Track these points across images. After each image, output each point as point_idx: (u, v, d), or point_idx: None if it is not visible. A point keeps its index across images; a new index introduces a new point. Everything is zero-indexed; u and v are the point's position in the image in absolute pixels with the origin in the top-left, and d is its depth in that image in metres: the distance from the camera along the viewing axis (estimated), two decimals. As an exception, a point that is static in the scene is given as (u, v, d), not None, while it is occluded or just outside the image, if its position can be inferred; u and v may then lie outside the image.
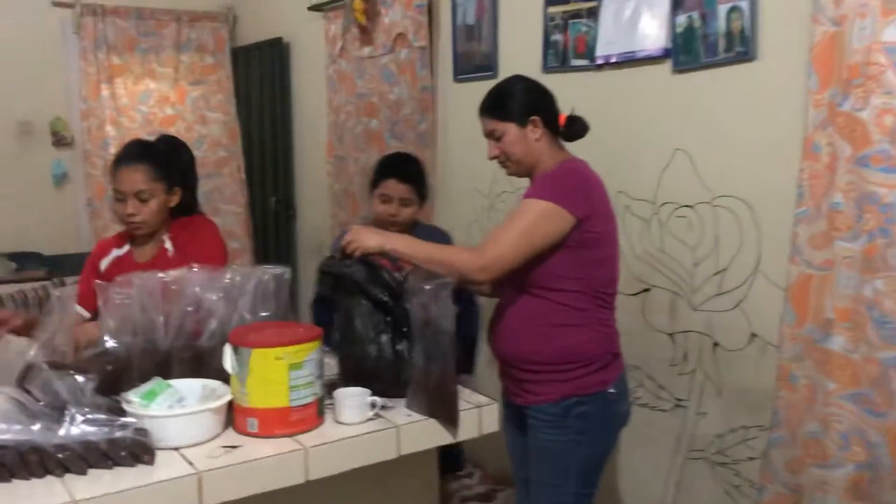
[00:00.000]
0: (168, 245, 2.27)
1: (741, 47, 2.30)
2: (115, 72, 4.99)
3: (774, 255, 2.28)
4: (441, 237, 2.75)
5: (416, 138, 3.67)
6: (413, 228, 2.72)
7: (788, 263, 2.20)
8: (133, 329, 1.76)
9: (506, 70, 3.19)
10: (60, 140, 5.05)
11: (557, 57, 2.91)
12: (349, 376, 1.85)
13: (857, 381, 2.04)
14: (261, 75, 5.04)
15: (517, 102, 2.02)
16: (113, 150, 4.92)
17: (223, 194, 5.21)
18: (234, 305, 1.82)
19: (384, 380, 1.81)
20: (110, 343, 1.74)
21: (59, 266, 4.62)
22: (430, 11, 3.53)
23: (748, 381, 2.39)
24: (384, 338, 1.84)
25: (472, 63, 3.36)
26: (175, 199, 2.28)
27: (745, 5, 2.28)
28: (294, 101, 4.86)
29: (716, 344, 2.48)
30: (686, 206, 2.53)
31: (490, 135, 2.06)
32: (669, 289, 2.60)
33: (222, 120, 5.28)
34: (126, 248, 2.30)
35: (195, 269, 1.86)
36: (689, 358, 2.57)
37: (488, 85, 3.31)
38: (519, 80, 2.11)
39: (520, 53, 3.11)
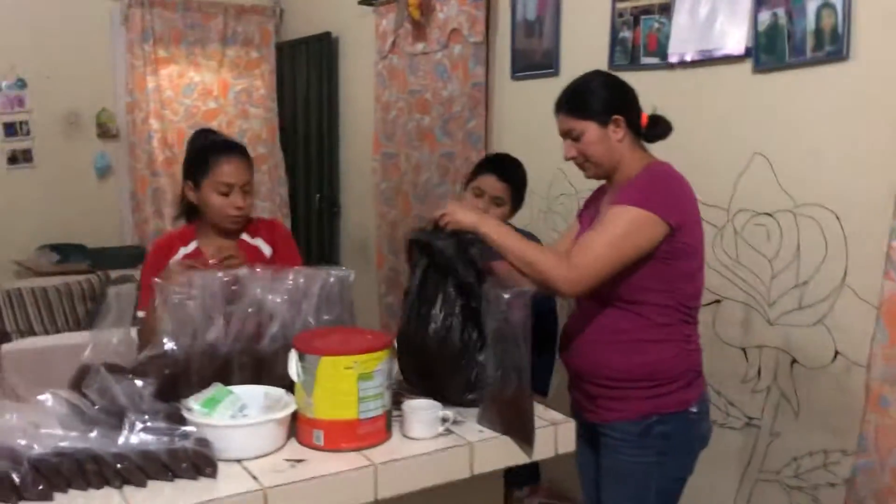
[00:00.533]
0: (255, 240, 2.20)
1: (832, 46, 2.16)
2: (160, 64, 4.95)
3: (864, 268, 2.14)
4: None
5: (465, 136, 3.56)
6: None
7: (882, 279, 2.06)
8: (193, 331, 1.67)
9: (568, 68, 3.07)
10: (106, 132, 5.03)
11: (626, 55, 2.79)
12: (410, 369, 1.78)
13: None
14: (307, 70, 4.97)
15: (598, 100, 1.89)
16: (156, 143, 4.90)
17: (259, 191, 5.14)
18: (297, 309, 1.73)
19: (449, 374, 1.72)
20: (169, 345, 1.65)
21: (102, 259, 4.60)
22: (488, 6, 3.41)
23: (830, 402, 2.24)
24: (456, 325, 1.75)
25: (531, 60, 3.25)
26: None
27: (837, 1, 2.14)
28: (341, 97, 4.77)
29: (794, 361, 2.34)
30: (765, 213, 2.39)
31: (567, 134, 1.94)
32: (743, 301, 2.46)
33: (263, 115, 5.23)
34: (193, 244, 2.20)
35: (258, 270, 1.76)
36: (764, 374, 2.43)
37: (549, 83, 3.26)
38: (599, 76, 1.98)
39: (584, 50, 2.98)
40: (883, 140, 2.07)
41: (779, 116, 2.34)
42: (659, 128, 1.95)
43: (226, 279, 1.74)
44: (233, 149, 2.17)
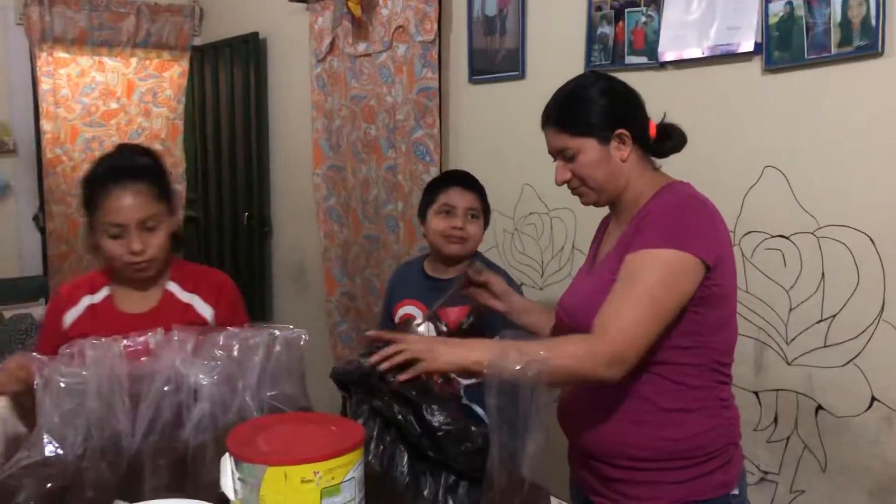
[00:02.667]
0: (188, 295, 1.73)
1: (863, 40, 1.84)
2: (59, 64, 4.41)
3: (907, 300, 1.82)
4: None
5: (411, 148, 3.15)
6: (472, 260, 2.20)
7: (936, 313, 1.74)
8: (86, 425, 1.22)
9: (536, 70, 2.71)
10: (1, 147, 4.42)
11: (606, 53, 2.43)
12: None
13: None
14: (231, 75, 4.48)
15: (598, 111, 1.51)
16: (45, 143, 4.35)
17: None
18: (231, 386, 1.29)
19: None
20: (51, 448, 1.20)
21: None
22: (440, 1, 3.02)
23: (866, 457, 1.92)
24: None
25: (492, 61, 2.86)
26: (176, 225, 1.77)
27: (869, -12, 1.82)
28: (271, 104, 4.30)
29: (819, 407, 2.01)
30: (780, 236, 2.06)
31: (559, 153, 1.56)
32: (755, 337, 2.12)
33: (166, 115, 4.74)
34: (104, 292, 1.73)
35: (175, 333, 1.32)
36: (782, 422, 2.09)
37: (513, 87, 2.88)
38: (598, 80, 1.58)
39: (555, 49, 2.62)
40: (928, 150, 1.76)
41: (795, 123, 2.01)
42: (672, 140, 1.58)
43: (131, 349, 1.29)
44: (123, 177, 1.67)
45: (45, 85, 4.35)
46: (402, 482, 1.33)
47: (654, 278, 1.38)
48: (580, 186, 1.57)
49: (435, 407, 1.31)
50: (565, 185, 1.61)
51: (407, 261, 2.69)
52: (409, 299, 2.32)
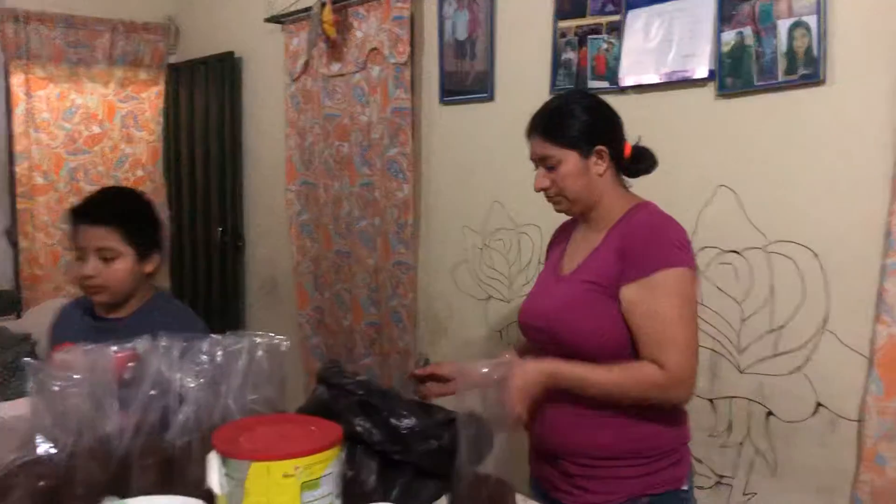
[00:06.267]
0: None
1: (807, 69, 1.98)
2: (36, 85, 4.43)
3: (848, 311, 1.95)
4: (187, 320, 1.97)
5: (385, 166, 3.25)
6: (144, 301, 1.92)
7: (874, 324, 1.87)
8: (77, 426, 1.29)
9: (504, 92, 2.82)
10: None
11: (570, 77, 2.55)
12: None
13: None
14: (207, 93, 4.55)
15: (583, 126, 1.62)
16: (26, 169, 4.39)
17: None
18: (214, 390, 1.37)
19: None
20: (44, 447, 1.26)
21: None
22: (413, 24, 3.13)
23: (813, 460, 2.04)
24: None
25: (462, 83, 2.98)
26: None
27: (812, 20, 1.96)
28: (245, 121, 4.38)
29: (770, 413, 2.13)
30: (732, 251, 2.19)
31: (541, 161, 1.65)
32: (710, 347, 2.24)
33: (146, 139, 4.81)
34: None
35: (162, 340, 1.40)
36: (735, 428, 2.21)
37: (482, 109, 2.99)
38: (585, 97, 1.71)
39: (522, 73, 2.74)
40: (865, 170, 1.90)
41: (746, 145, 2.14)
42: (644, 162, 1.70)
43: (120, 355, 1.36)
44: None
45: (21, 106, 4.38)
46: (371, 487, 1.38)
47: (681, 297, 1.52)
48: (557, 195, 1.67)
49: (399, 410, 1.38)
50: (534, 203, 1.73)
51: (76, 300, 2.04)
52: (70, 342, 1.62)
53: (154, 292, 1.96)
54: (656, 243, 1.54)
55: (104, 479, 1.27)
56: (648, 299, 1.52)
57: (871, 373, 1.87)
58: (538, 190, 1.67)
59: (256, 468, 1.16)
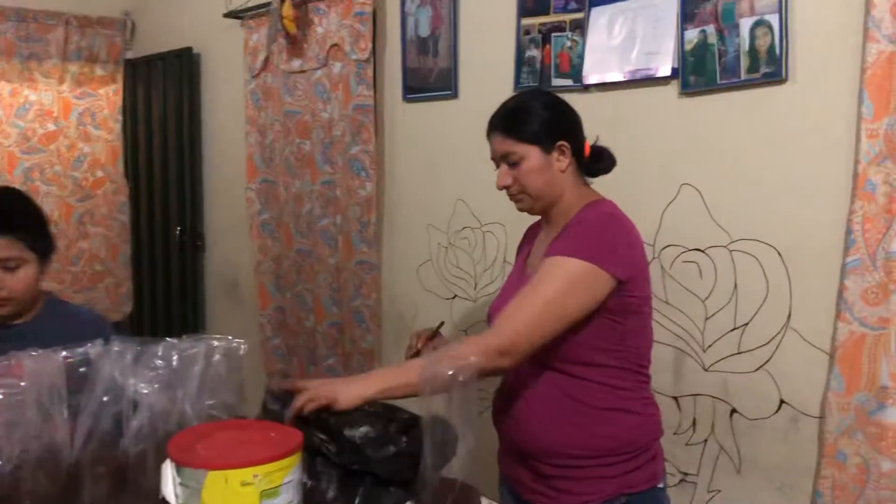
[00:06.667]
0: None
1: (769, 67, 1.98)
2: (-14, 81, 4.32)
3: (811, 309, 1.96)
4: (89, 320, 1.93)
5: (347, 164, 3.21)
6: (42, 303, 1.89)
7: (835, 321, 1.88)
8: (23, 435, 1.23)
9: (468, 90, 2.80)
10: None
11: (534, 75, 2.54)
12: None
13: (917, 460, 1.73)
14: (164, 89, 4.45)
15: (544, 122, 1.60)
16: None
17: (94, 217, 4.68)
18: (170, 396, 1.32)
19: None
20: (-11, 459, 1.21)
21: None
22: (375, 20, 3.09)
23: (777, 456, 2.05)
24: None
25: (426, 81, 2.94)
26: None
27: (773, 19, 1.96)
28: (204, 119, 4.29)
29: (734, 411, 2.13)
30: (696, 249, 2.19)
31: (503, 158, 1.63)
32: (673, 345, 2.24)
33: (105, 138, 4.69)
34: None
35: (114, 344, 1.35)
36: (699, 426, 2.21)
37: (446, 106, 2.96)
38: (544, 95, 1.70)
39: (486, 70, 2.71)
40: (828, 169, 1.91)
41: (709, 143, 2.15)
42: (603, 162, 1.69)
43: (69, 360, 1.31)
44: None
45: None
46: (331, 497, 1.34)
47: (559, 284, 1.48)
48: (520, 193, 1.65)
49: (354, 418, 1.33)
50: (499, 201, 1.70)
51: None
52: None
53: (43, 293, 1.92)
54: (585, 237, 1.53)
55: (54, 491, 1.22)
56: (541, 272, 1.52)
57: (832, 369, 1.88)
58: (500, 187, 1.66)
59: (213, 477, 1.12)
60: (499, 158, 1.65)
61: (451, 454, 1.30)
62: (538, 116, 1.60)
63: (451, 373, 1.24)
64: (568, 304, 1.48)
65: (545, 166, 1.60)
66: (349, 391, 1.38)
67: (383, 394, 1.39)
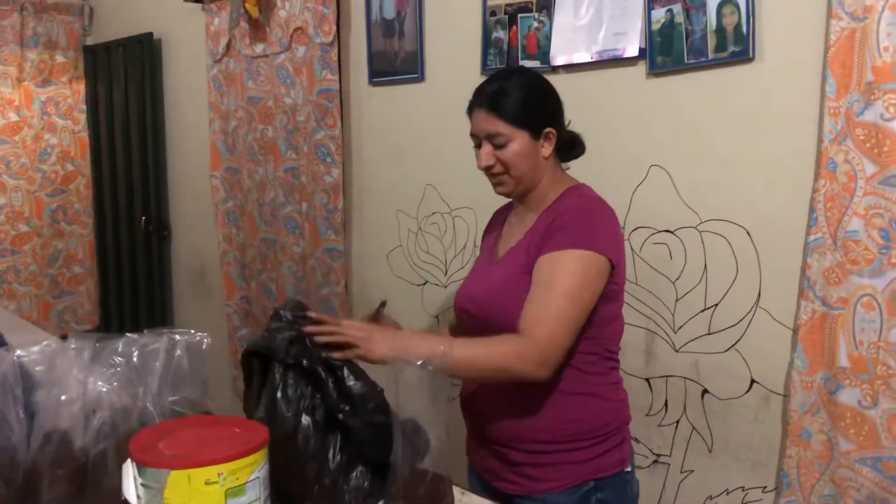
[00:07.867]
0: None
1: (737, 46, 1.97)
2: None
3: (780, 289, 1.96)
4: None
5: (312, 149, 3.15)
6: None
7: (798, 299, 1.89)
8: (-23, 438, 1.19)
9: (435, 72, 2.76)
10: None
11: (500, 57, 2.50)
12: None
13: (875, 442, 1.74)
14: (125, 76, 4.35)
15: (535, 107, 1.56)
16: None
17: (67, 213, 4.60)
18: (131, 393, 1.28)
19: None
20: (-60, 463, 1.16)
21: None
22: (338, 2, 3.03)
23: (747, 436, 2.05)
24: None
25: (392, 64, 2.90)
26: None
27: (740, -2, 1.95)
28: (167, 106, 4.21)
29: (705, 391, 2.14)
30: (666, 230, 2.18)
31: (487, 137, 1.58)
32: (644, 327, 2.24)
33: (71, 128, 4.59)
34: None
35: (71, 341, 1.30)
36: (671, 407, 2.22)
37: (413, 90, 2.91)
38: (534, 76, 1.65)
39: (452, 52, 2.67)
40: (795, 148, 1.90)
41: (678, 124, 2.13)
42: (577, 147, 1.67)
43: (23, 358, 1.26)
44: None
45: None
46: (309, 452, 1.29)
47: (571, 279, 1.46)
48: (502, 174, 1.60)
49: (355, 370, 1.28)
50: (469, 185, 1.67)
51: None
52: None
53: None
54: (581, 226, 1.51)
55: (9, 494, 1.18)
56: (545, 270, 1.49)
57: (796, 348, 1.88)
58: (483, 167, 1.61)
59: (176, 476, 1.08)
60: (482, 137, 1.59)
61: (424, 451, 1.27)
62: (529, 100, 1.56)
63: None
64: (587, 297, 1.48)
65: (531, 152, 1.57)
66: (385, 345, 1.35)
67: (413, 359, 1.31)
